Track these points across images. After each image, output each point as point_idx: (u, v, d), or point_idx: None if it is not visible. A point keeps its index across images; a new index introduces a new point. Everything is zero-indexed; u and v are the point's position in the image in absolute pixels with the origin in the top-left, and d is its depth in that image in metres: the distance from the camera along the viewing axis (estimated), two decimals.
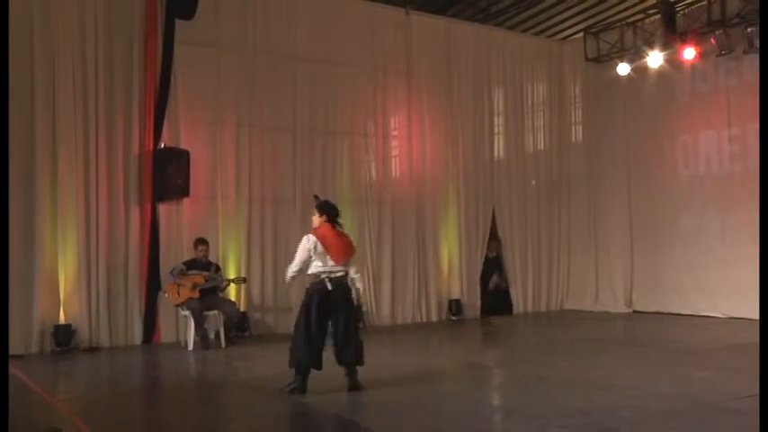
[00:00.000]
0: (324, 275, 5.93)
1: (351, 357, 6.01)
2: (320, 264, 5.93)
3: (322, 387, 6.28)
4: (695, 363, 7.13)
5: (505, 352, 8.92)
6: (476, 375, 6.92)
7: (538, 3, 13.14)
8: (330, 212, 6.12)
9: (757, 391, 5.39)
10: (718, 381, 6.21)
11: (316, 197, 6.40)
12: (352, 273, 6.07)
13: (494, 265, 12.37)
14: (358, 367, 6.08)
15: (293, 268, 6.03)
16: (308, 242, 5.96)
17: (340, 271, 5.98)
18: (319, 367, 5.94)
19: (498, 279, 12.44)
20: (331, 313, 5.94)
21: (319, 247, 5.92)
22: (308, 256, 5.92)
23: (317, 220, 6.15)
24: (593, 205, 12.88)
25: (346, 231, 6.30)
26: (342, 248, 6.01)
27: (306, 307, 5.97)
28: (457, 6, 14.04)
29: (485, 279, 12.26)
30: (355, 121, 11.09)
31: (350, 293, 6.04)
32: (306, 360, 5.89)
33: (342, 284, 5.97)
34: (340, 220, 6.18)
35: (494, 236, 12.33)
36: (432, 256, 11.61)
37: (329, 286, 5.91)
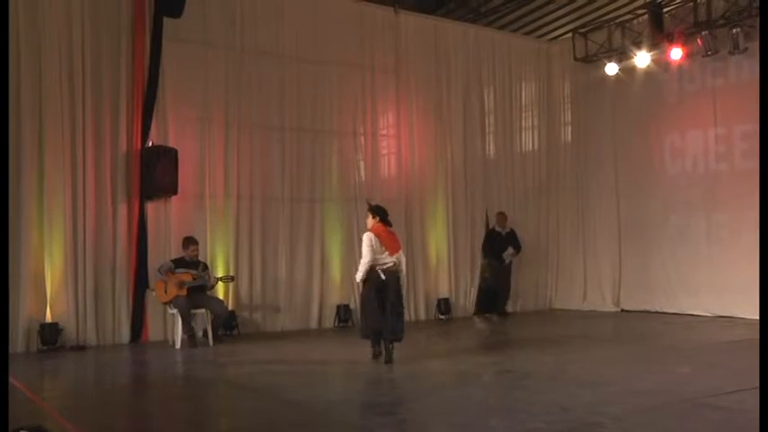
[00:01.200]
0: (378, 267, 7.11)
1: (397, 334, 7.16)
2: (376, 257, 7.13)
3: (309, 383, 6.31)
4: (680, 360, 7.18)
5: (491, 349, 8.94)
6: (461, 371, 6.93)
7: (527, 3, 13.22)
8: (381, 214, 7.36)
9: (739, 387, 5.48)
10: (702, 377, 6.25)
11: (368, 202, 7.88)
12: (397, 258, 7.22)
13: (508, 240, 11.95)
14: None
15: (367, 263, 7.12)
16: (369, 239, 7.13)
17: (391, 262, 7.17)
18: (380, 337, 7.18)
19: (514, 252, 11.96)
20: (383, 295, 7.11)
21: (376, 242, 7.09)
22: (373, 249, 7.10)
23: (370, 221, 7.36)
24: (581, 205, 12.94)
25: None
26: (393, 243, 7.25)
27: (367, 292, 7.21)
28: (447, 6, 14.11)
29: (497, 253, 11.86)
30: (344, 120, 11.10)
31: (398, 281, 7.24)
32: (371, 331, 7.21)
33: (392, 273, 7.17)
34: (389, 219, 7.43)
35: (501, 212, 12.13)
36: (420, 256, 11.62)
37: (382, 276, 7.09)
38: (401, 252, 7.34)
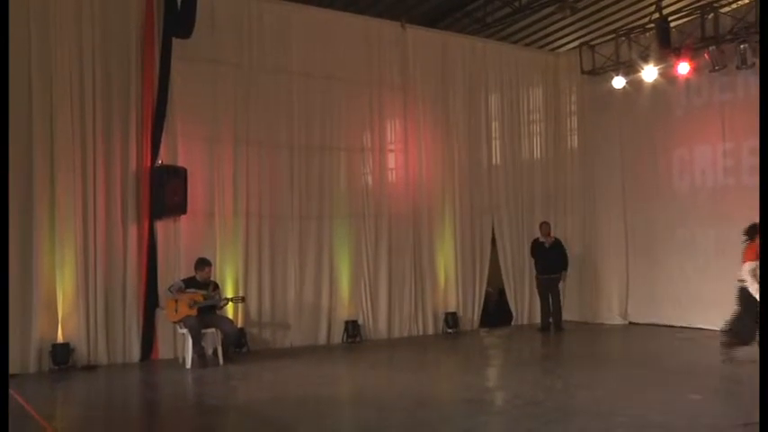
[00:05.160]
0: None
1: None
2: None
3: (320, 413, 6.34)
4: (690, 384, 7.16)
5: (500, 370, 8.97)
6: (470, 398, 6.90)
7: (533, 13, 13.22)
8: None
9: (750, 420, 5.48)
10: (713, 406, 6.26)
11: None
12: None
13: (551, 252, 11.64)
14: None
15: None
16: None
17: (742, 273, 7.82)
18: None
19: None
20: None
21: None
22: None
23: None
24: (588, 217, 12.94)
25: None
26: (743, 256, 7.90)
27: None
28: (453, 17, 14.12)
29: (540, 266, 11.64)
30: (352, 135, 11.12)
31: (744, 291, 7.80)
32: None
33: (740, 282, 7.88)
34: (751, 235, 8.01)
35: (544, 221, 11.97)
36: (428, 269, 11.65)
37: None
38: (746, 264, 7.75)
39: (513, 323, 12.46)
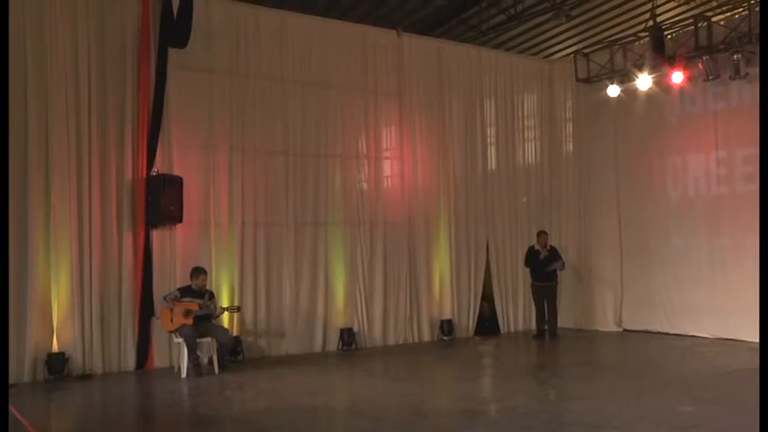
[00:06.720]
0: None
1: None
2: None
3: (314, 423, 6.35)
4: (682, 395, 7.20)
5: (496, 380, 8.98)
6: (465, 408, 6.95)
7: (527, 20, 13.30)
8: None
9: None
10: (706, 418, 6.26)
11: None
12: None
13: (547, 260, 11.66)
14: None
15: None
16: None
17: None
18: None
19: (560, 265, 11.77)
20: None
21: None
22: None
23: None
24: (583, 224, 12.98)
25: None
26: None
27: None
28: (448, 24, 14.20)
29: (536, 273, 11.65)
30: (347, 143, 11.15)
31: None
32: None
33: None
34: None
35: (541, 230, 12.00)
36: (423, 277, 11.68)
37: None
38: None
39: (502, 331, 12.41)
